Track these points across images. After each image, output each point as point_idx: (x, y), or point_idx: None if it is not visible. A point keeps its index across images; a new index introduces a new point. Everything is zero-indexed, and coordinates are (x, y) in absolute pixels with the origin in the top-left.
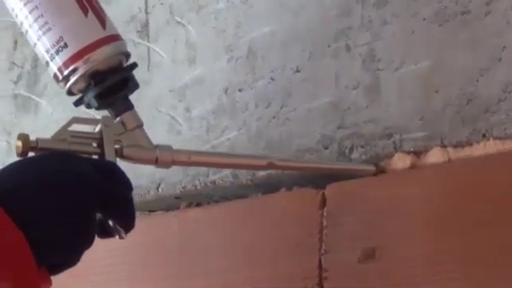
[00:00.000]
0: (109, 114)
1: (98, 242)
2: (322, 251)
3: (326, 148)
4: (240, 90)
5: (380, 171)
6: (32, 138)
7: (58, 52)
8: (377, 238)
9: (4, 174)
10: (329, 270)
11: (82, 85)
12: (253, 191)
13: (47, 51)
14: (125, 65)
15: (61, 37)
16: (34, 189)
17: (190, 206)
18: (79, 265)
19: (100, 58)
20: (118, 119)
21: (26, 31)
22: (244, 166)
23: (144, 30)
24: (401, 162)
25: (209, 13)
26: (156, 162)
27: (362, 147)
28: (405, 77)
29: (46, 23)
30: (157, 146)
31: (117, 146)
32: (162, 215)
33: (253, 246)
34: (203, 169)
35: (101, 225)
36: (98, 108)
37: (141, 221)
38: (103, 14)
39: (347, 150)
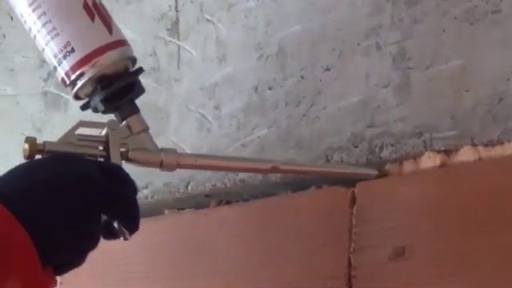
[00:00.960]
0: (115, 118)
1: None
2: (351, 249)
3: (356, 147)
4: (270, 88)
5: (383, 174)
6: (39, 140)
7: (65, 57)
8: (406, 237)
9: (11, 175)
10: (357, 268)
11: (88, 89)
12: (282, 189)
13: (55, 56)
14: (131, 70)
15: (68, 42)
16: (40, 190)
17: (219, 204)
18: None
19: (106, 62)
20: (124, 123)
21: (35, 36)
22: (249, 170)
23: (174, 28)
24: (431, 160)
25: (239, 11)
26: (161, 165)
27: (391, 146)
28: (435, 76)
29: (54, 28)
30: (162, 150)
31: (122, 149)
32: (190, 213)
33: (282, 244)
34: None
35: (106, 226)
36: (104, 112)
37: (169, 219)
38: (109, 20)
39: (377, 149)
